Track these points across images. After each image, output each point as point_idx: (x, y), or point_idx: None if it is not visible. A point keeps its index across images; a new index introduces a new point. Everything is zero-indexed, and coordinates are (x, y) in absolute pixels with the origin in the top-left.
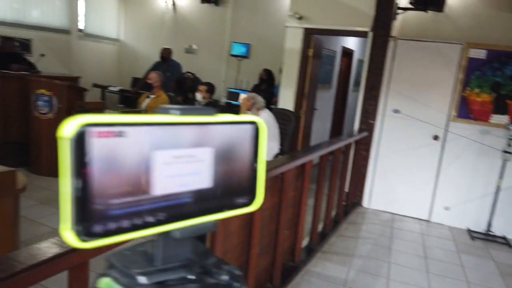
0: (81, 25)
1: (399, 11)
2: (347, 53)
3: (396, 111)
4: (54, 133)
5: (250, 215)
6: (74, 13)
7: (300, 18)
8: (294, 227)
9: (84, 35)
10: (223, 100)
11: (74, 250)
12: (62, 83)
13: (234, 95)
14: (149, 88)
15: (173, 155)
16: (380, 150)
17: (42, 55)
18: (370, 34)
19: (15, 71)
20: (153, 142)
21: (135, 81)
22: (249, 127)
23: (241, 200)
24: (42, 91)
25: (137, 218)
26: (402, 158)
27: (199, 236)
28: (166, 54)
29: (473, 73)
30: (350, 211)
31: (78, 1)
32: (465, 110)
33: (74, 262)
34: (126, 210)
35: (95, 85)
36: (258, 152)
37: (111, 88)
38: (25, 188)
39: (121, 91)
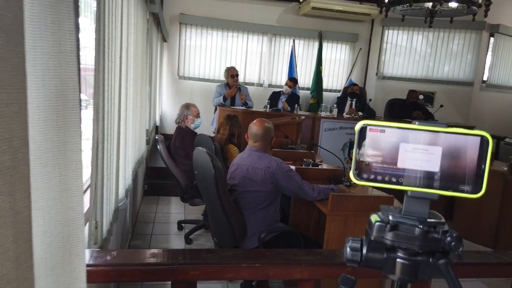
0: (485, 76)
1: None
2: None
3: None
4: None
5: None
6: (480, 65)
7: None
8: None
9: (487, 85)
10: None
11: None
12: None
13: None
14: None
15: (412, 147)
16: None
17: (441, 106)
18: None
19: (415, 118)
20: (401, 137)
21: None
22: (476, 139)
23: (464, 187)
24: None
25: (386, 176)
26: None
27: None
28: None
29: None
30: None
31: (487, 54)
32: None
33: None
34: (380, 170)
35: (491, 136)
36: (486, 157)
37: (507, 139)
38: None
39: None
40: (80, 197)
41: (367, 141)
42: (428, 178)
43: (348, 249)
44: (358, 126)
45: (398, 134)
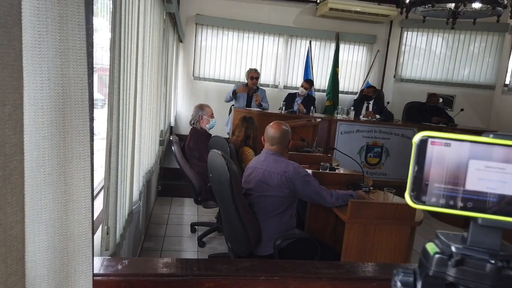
0: (507, 80)
1: None
2: None
3: None
4: None
5: None
6: (502, 69)
7: None
8: None
9: (509, 89)
10: None
11: None
12: None
13: None
14: None
15: (485, 165)
16: None
17: (461, 109)
18: None
19: (434, 123)
20: (470, 153)
21: None
22: None
23: None
24: None
25: (451, 200)
26: None
27: None
28: None
29: None
30: None
31: (510, 57)
32: None
33: None
34: (444, 192)
35: None
36: None
37: None
38: (421, 222)
39: None
40: (88, 208)
41: (427, 157)
42: (504, 204)
43: (398, 284)
44: (417, 138)
45: (467, 149)
